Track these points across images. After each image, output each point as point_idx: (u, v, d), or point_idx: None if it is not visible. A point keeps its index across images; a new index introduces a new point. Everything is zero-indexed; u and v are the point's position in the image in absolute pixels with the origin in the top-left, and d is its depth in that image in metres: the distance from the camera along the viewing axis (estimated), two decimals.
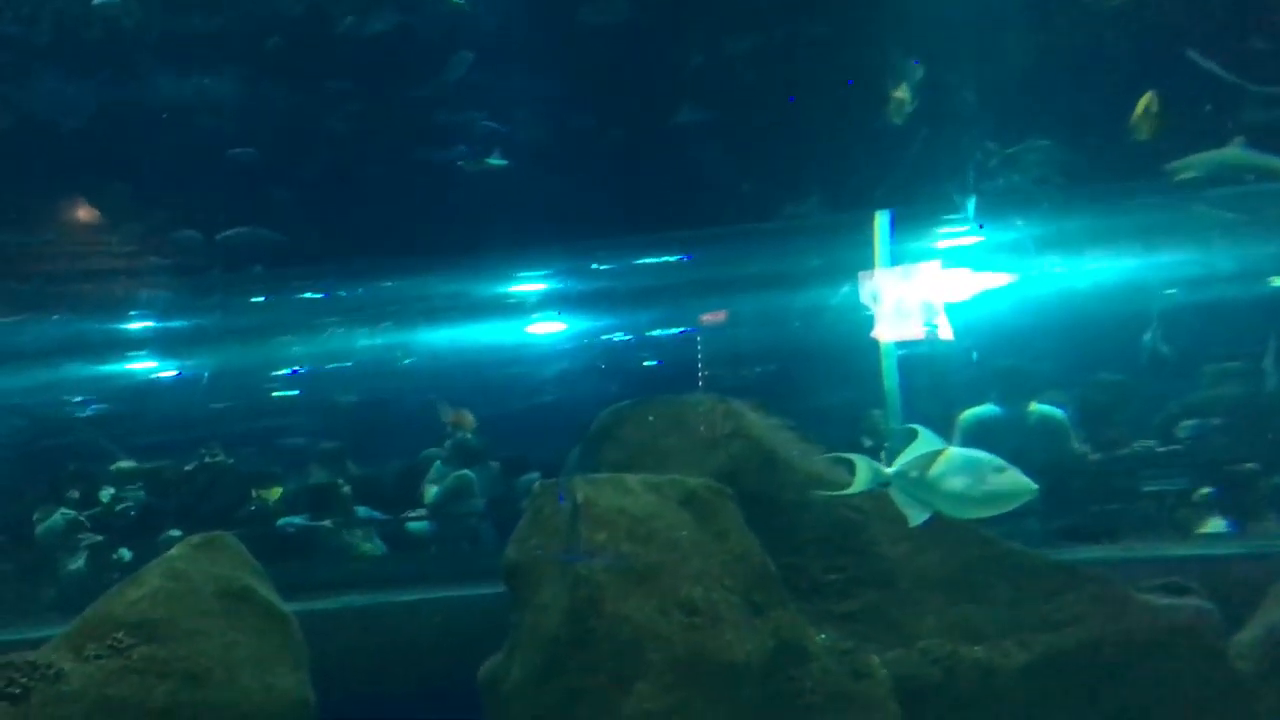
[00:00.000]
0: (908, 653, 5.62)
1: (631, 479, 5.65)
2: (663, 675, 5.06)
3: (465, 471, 9.17)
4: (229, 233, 11.61)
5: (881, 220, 7.97)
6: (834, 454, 5.77)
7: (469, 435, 9.11)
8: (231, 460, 9.75)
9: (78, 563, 9.09)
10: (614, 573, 5.21)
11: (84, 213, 12.39)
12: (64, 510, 9.34)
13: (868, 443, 8.07)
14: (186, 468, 9.60)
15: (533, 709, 5.23)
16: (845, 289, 8.80)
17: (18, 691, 4.95)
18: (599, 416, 6.96)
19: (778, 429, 6.47)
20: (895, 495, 4.78)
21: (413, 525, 9.25)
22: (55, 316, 11.21)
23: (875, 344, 7.68)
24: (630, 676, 5.06)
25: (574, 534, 5.37)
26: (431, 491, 9.23)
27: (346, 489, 9.11)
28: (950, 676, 5.54)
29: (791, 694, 5.27)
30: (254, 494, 9.20)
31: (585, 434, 7.58)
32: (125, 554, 8.93)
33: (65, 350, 10.83)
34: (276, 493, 9.45)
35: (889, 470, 4.75)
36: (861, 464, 4.85)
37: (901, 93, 9.23)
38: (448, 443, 9.45)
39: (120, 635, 5.24)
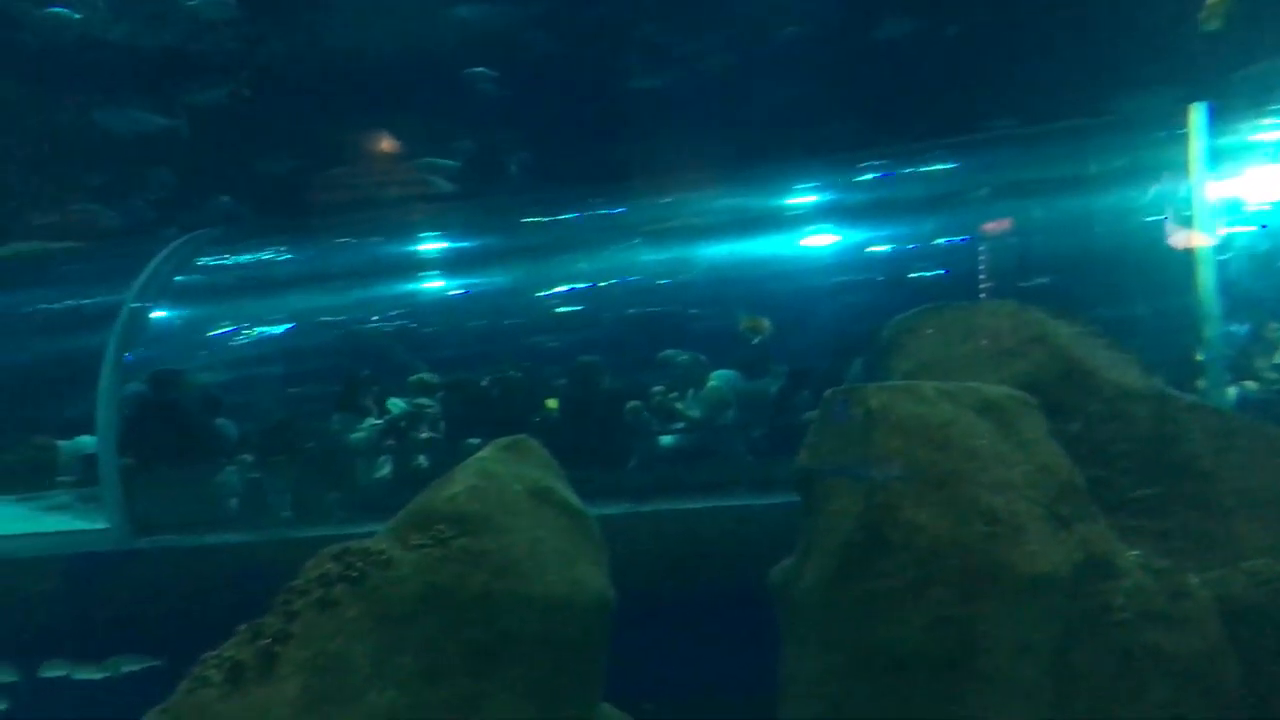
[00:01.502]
0: (1230, 573, 5.27)
1: (926, 386, 5.51)
2: (960, 584, 4.97)
3: (716, 384, 9.21)
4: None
5: (1198, 113, 7.29)
6: None
7: (759, 339, 9.10)
8: (520, 374, 10.22)
9: (384, 470, 9.82)
10: (910, 480, 5.13)
11: (386, 143, 13.31)
12: (372, 420, 10.09)
13: (1201, 356, 7.41)
14: (482, 381, 10.14)
15: (826, 612, 5.27)
16: (1156, 189, 8.17)
17: (355, 575, 5.39)
18: (886, 326, 6.80)
19: (1083, 336, 6.13)
20: None
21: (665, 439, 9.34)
22: (359, 240, 12.12)
23: (1188, 249, 7.09)
24: (926, 584, 5.00)
25: (868, 441, 5.30)
26: (690, 405, 9.32)
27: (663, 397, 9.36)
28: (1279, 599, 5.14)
29: (1100, 610, 5.06)
30: (546, 404, 9.56)
31: (869, 345, 7.48)
32: (423, 462, 9.57)
33: (370, 271, 11.66)
34: (554, 404, 9.82)
35: None
36: None
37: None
38: (681, 356, 9.53)
39: (441, 527, 5.58)
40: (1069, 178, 9.63)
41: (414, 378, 10.39)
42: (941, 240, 10.64)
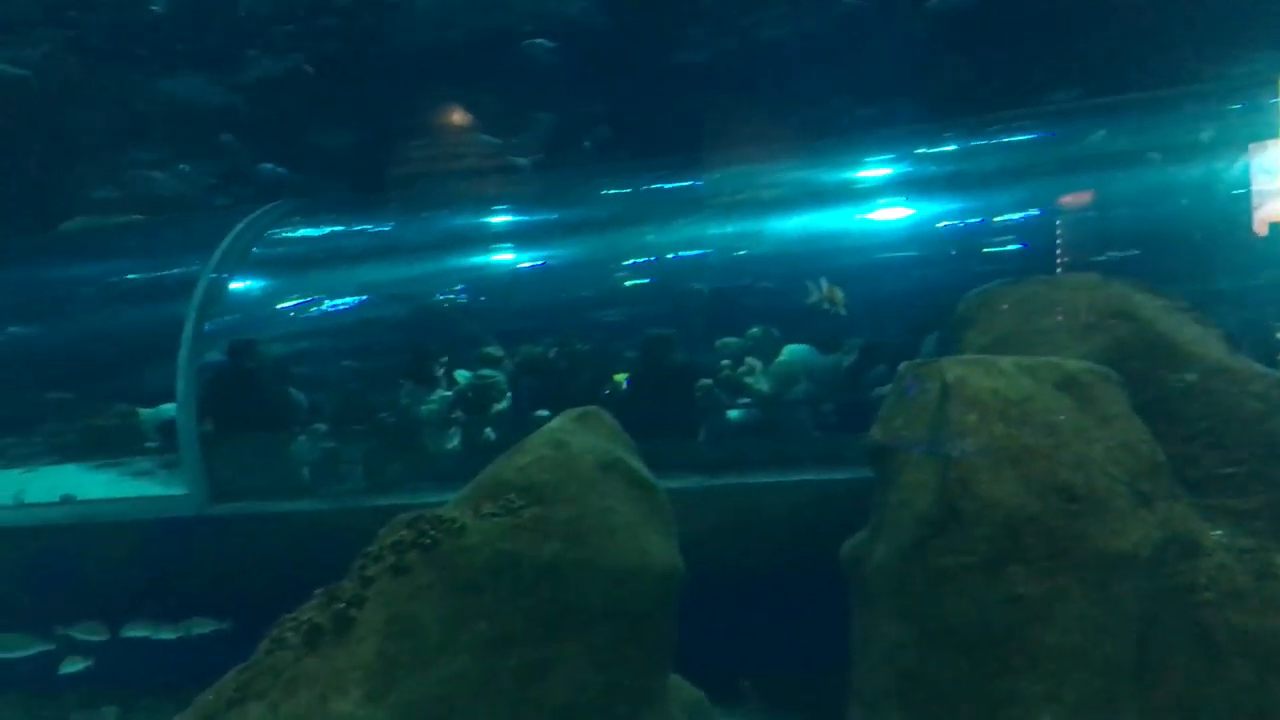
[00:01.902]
0: None
1: (1003, 361, 5.42)
2: (1038, 561, 4.90)
3: (786, 359, 9.14)
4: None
5: None
6: None
7: (835, 310, 8.99)
8: (587, 347, 10.24)
9: (453, 442, 9.91)
10: (986, 455, 5.05)
11: (458, 117, 13.43)
12: (442, 392, 10.18)
13: None
14: (549, 354, 10.18)
15: (898, 586, 5.22)
16: (1244, 160, 7.92)
17: (429, 542, 5.45)
18: (962, 300, 6.68)
19: (1169, 310, 5.96)
20: None
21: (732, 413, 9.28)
22: (430, 213, 12.22)
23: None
24: (1002, 560, 4.93)
25: (943, 415, 5.23)
26: (759, 380, 9.26)
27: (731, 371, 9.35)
28: None
29: (1182, 589, 4.96)
30: (615, 378, 9.58)
31: (944, 319, 7.36)
32: (490, 434, 9.63)
33: (441, 244, 11.76)
34: (622, 378, 9.83)
35: None
36: None
37: None
38: (753, 330, 9.45)
39: (512, 497, 5.62)
40: (1152, 149, 9.37)
41: (481, 350, 10.45)
42: (1017, 214, 10.43)
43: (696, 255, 10.75)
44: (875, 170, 10.92)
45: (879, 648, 5.29)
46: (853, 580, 5.60)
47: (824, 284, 8.65)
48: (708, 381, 9.11)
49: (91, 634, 8.56)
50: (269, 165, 14.02)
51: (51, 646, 8.66)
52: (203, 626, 8.52)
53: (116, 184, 14.14)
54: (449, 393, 10.16)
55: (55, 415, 11.34)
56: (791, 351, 9.22)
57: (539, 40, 13.20)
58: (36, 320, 12.02)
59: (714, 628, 6.61)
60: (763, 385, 9.18)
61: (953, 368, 5.34)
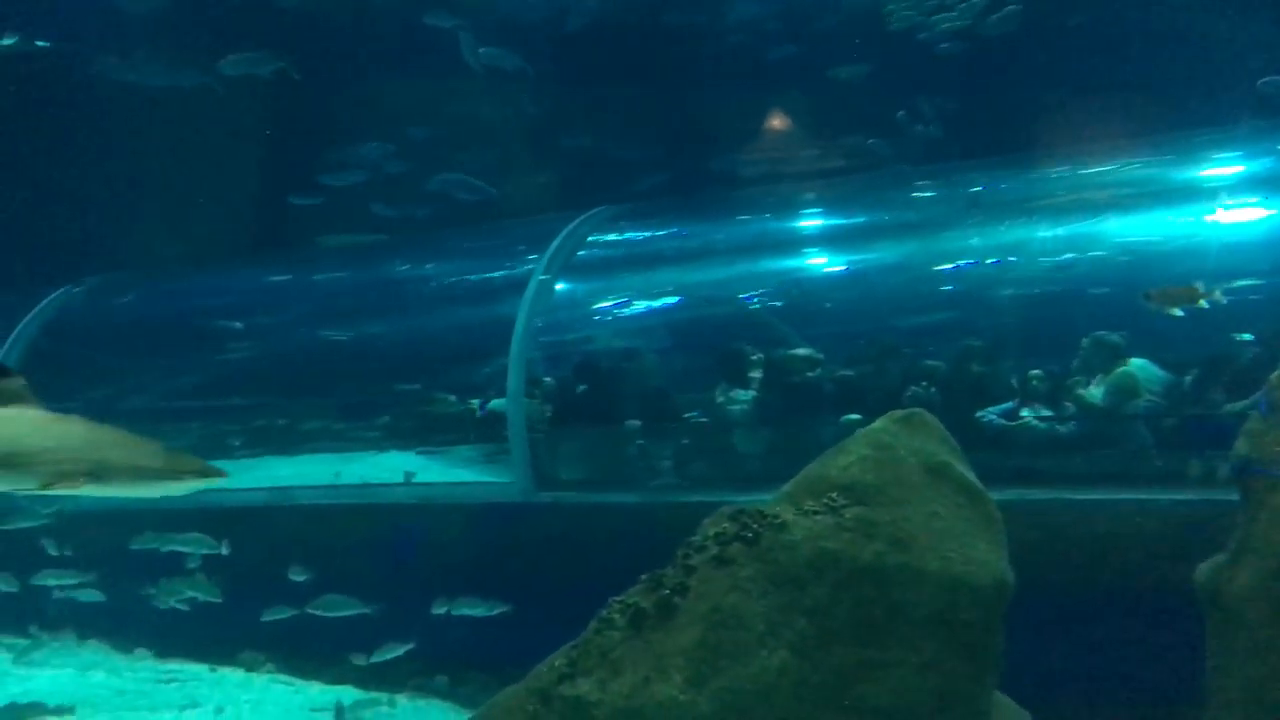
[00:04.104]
0: None
1: None
2: None
3: (1128, 370, 8.58)
4: None
5: None
6: None
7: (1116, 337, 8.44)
8: (899, 351, 10.03)
9: (761, 443, 10.01)
10: None
11: (778, 121, 13.59)
12: (743, 392, 10.29)
13: None
14: (860, 357, 10.08)
15: (1266, 617, 4.78)
16: None
17: (750, 535, 5.49)
18: None
19: None
20: None
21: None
22: (744, 216, 12.42)
23: None
24: None
25: None
26: (1093, 392, 8.75)
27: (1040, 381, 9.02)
28: None
29: None
30: (921, 384, 9.36)
31: None
32: (802, 435, 9.59)
33: (754, 247, 11.92)
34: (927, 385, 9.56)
35: None
36: None
37: None
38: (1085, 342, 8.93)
39: (834, 495, 5.54)
40: None
41: (792, 353, 10.47)
42: None
43: (1017, 260, 10.23)
44: (1225, 168, 10.06)
45: (1240, 682, 4.86)
46: (1209, 608, 5.16)
47: (1202, 286, 7.93)
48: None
49: (436, 608, 9.21)
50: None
51: (368, 610, 9.34)
52: (522, 606, 9.01)
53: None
54: (752, 393, 10.28)
55: (397, 404, 12.36)
56: (1130, 363, 8.68)
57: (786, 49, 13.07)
58: (383, 317, 13.15)
59: (1028, 649, 6.30)
60: (1095, 397, 8.69)
61: None
